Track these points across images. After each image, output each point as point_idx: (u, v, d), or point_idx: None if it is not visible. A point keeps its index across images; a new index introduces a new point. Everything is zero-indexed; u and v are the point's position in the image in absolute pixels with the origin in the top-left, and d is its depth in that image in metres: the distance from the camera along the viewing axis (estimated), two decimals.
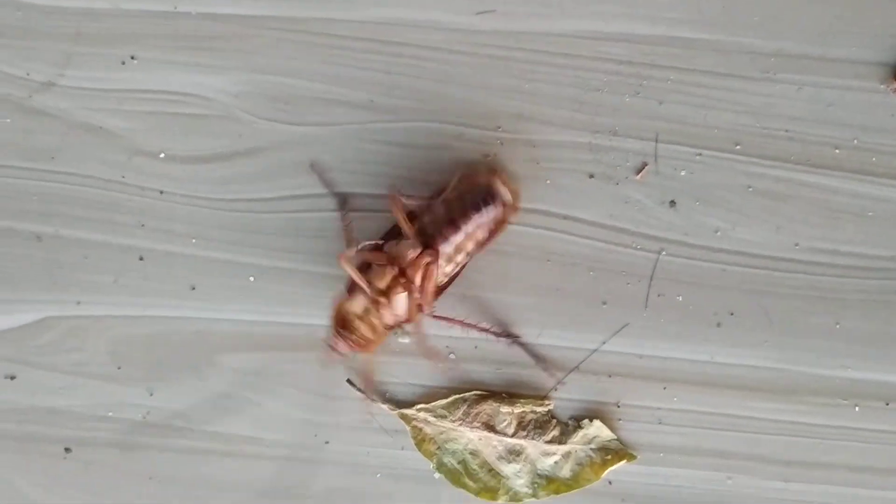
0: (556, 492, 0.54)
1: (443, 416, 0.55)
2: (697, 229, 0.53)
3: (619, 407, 0.54)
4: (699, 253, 0.53)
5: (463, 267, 0.51)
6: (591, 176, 0.53)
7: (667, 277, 0.53)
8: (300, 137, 0.54)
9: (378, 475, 0.56)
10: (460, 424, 0.54)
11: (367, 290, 0.49)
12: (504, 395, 0.55)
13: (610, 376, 0.54)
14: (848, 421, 0.53)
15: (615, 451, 0.54)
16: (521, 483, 0.55)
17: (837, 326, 0.53)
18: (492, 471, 0.55)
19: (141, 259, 0.55)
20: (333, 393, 0.55)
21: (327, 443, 0.56)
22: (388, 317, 0.50)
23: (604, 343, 0.54)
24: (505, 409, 0.54)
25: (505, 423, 0.54)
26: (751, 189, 0.52)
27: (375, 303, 0.50)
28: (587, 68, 0.52)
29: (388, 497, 0.56)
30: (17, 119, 0.55)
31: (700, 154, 0.52)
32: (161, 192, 0.55)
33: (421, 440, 0.55)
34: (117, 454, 0.57)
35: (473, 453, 0.55)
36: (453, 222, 0.49)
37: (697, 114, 0.52)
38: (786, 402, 0.53)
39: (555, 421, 0.54)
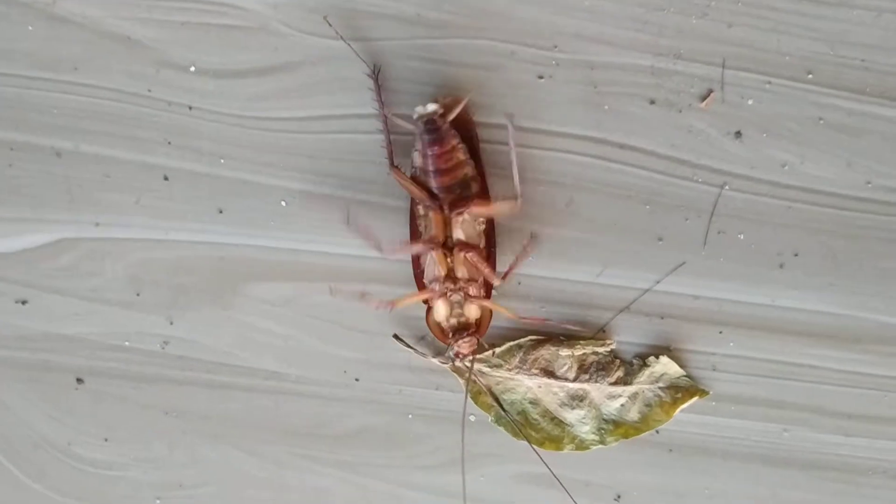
0: (625, 436, 0.51)
1: (498, 366, 0.51)
2: (764, 163, 0.49)
3: (671, 350, 0.51)
4: (764, 188, 0.50)
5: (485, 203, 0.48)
6: (652, 102, 0.49)
7: (728, 214, 0.50)
8: (340, 53, 0.50)
9: (410, 415, 0.53)
10: (517, 373, 0.51)
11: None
12: (562, 337, 0.51)
13: (662, 318, 0.51)
14: None
15: (686, 389, 0.51)
16: (586, 430, 0.51)
17: None
18: (554, 419, 0.51)
19: (165, 179, 0.52)
20: (365, 328, 0.52)
21: (357, 380, 0.53)
22: (473, 288, 0.48)
23: (657, 282, 0.50)
24: (564, 352, 0.51)
25: (565, 368, 0.51)
26: (822, 121, 0.49)
27: (453, 286, 0.48)
28: None
29: (420, 439, 0.53)
30: (40, 27, 0.51)
31: (769, 82, 0.49)
32: (190, 108, 0.51)
33: (477, 392, 0.52)
34: (132, 386, 0.54)
35: (533, 402, 0.52)
36: (428, 170, 0.47)
37: (768, 39, 0.48)
38: (850, 350, 0.50)
39: (618, 361, 0.51)
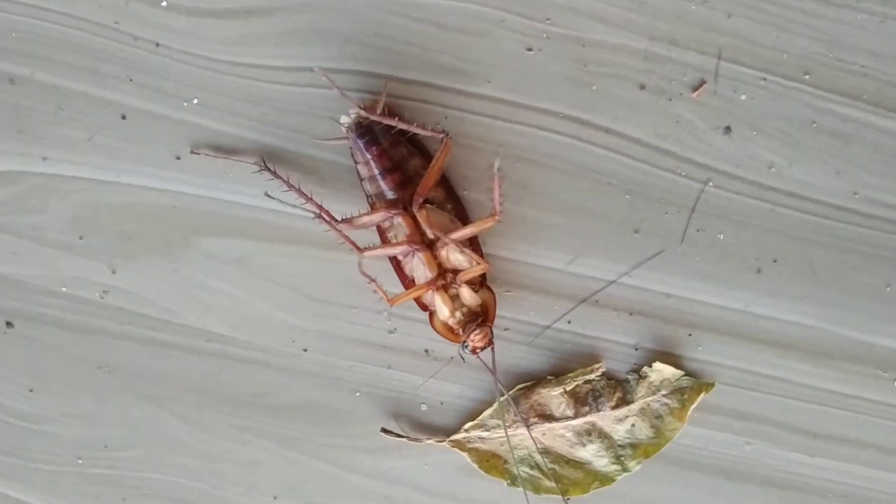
0: (646, 455, 0.49)
1: (496, 427, 0.49)
2: (750, 162, 0.47)
3: (636, 350, 0.49)
4: (749, 189, 0.48)
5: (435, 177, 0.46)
6: (642, 87, 0.47)
7: (709, 211, 0.48)
8: (322, 1, 0.47)
9: (357, 393, 0.50)
10: (517, 427, 0.48)
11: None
12: (549, 377, 0.49)
13: (631, 314, 0.49)
14: (885, 396, 0.49)
15: (690, 388, 0.48)
16: (605, 462, 0.49)
17: (888, 289, 0.48)
18: (570, 462, 0.49)
19: (123, 118, 0.49)
20: (320, 295, 0.49)
21: (305, 350, 0.50)
22: (462, 276, 0.45)
23: (626, 274, 0.48)
24: (555, 391, 0.49)
25: (562, 406, 0.49)
26: (815, 125, 0.47)
27: (444, 283, 0.45)
28: None
29: (366, 419, 0.50)
30: None
31: (765, 79, 0.47)
32: (157, 45, 0.48)
33: (485, 461, 0.49)
34: (66, 335, 0.51)
35: (544, 452, 0.49)
36: (375, 174, 0.45)
37: (767, 34, 0.47)
38: (820, 365, 0.49)
39: (613, 382, 0.49)
